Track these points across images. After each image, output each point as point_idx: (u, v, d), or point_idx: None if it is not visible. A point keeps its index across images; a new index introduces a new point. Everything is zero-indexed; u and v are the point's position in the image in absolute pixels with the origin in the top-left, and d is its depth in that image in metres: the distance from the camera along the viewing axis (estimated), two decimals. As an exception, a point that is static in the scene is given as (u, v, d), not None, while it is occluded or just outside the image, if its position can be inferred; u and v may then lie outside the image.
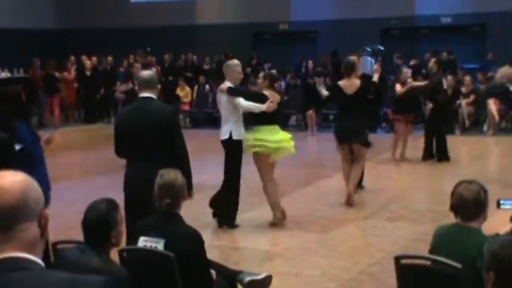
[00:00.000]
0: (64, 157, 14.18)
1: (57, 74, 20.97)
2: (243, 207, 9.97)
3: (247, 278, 4.85)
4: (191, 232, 4.57)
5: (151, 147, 5.94)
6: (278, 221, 9.01)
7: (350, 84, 10.05)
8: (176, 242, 4.45)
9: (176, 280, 4.36)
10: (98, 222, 3.85)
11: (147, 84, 6.13)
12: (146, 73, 6.41)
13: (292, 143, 9.15)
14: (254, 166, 9.10)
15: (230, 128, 8.74)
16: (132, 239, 5.60)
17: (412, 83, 13.75)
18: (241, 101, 8.69)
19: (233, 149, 8.76)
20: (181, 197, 4.66)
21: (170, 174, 4.69)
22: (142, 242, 4.57)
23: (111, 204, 3.97)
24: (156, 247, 4.52)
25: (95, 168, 13.56)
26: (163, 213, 4.61)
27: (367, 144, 10.16)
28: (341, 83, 10.20)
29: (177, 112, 7.13)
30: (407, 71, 14.16)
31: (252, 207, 10.20)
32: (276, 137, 8.95)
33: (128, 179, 6.10)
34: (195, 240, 4.52)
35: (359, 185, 10.75)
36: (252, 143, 8.82)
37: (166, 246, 4.48)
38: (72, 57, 22.08)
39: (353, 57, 10.69)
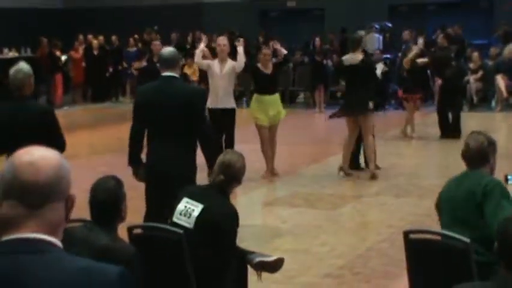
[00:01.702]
0: (72, 136, 14.18)
1: (58, 53, 20.92)
2: (251, 185, 10.00)
3: (257, 259, 4.84)
4: (230, 209, 4.66)
5: (172, 127, 5.82)
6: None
7: (354, 58, 10.21)
8: (213, 212, 4.54)
9: (185, 257, 4.38)
10: (107, 200, 3.87)
11: (169, 63, 5.98)
12: (168, 51, 6.20)
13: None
14: (258, 145, 10.45)
15: (232, 98, 10.04)
16: (152, 218, 5.62)
17: (418, 50, 13.76)
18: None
19: (234, 116, 10.09)
20: (237, 179, 4.75)
21: (233, 156, 4.83)
22: (184, 202, 4.66)
23: (117, 180, 3.98)
24: (193, 210, 4.59)
25: (103, 147, 13.59)
26: (214, 187, 4.72)
27: (370, 110, 10.22)
28: (345, 57, 10.43)
29: (204, 92, 7.06)
30: (415, 47, 14.09)
31: (260, 185, 10.23)
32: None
33: (152, 158, 5.97)
34: (231, 217, 4.60)
35: (355, 165, 10.78)
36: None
37: (202, 212, 4.55)
38: (81, 36, 22.05)
39: (361, 32, 10.79)
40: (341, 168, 10.49)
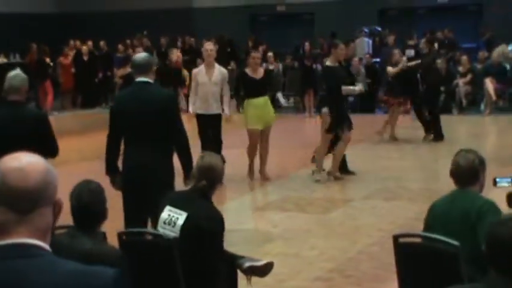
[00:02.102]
0: (61, 142, 14.13)
1: (47, 60, 20.88)
2: (242, 190, 10.01)
3: (247, 264, 4.84)
4: (215, 214, 4.63)
5: (148, 133, 5.82)
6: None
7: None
8: (198, 219, 4.51)
9: (175, 262, 4.38)
10: (92, 202, 3.85)
11: (142, 68, 5.97)
12: (141, 56, 6.22)
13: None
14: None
15: (219, 103, 10.15)
16: (131, 225, 5.62)
17: (405, 63, 13.76)
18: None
19: (221, 121, 10.19)
20: (218, 182, 4.72)
21: (212, 158, 4.77)
22: (167, 211, 4.62)
23: (98, 183, 3.97)
24: (177, 218, 4.56)
25: (92, 153, 13.55)
26: (196, 192, 4.68)
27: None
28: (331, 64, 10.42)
29: (176, 96, 7.10)
30: (397, 53, 14.13)
31: (251, 190, 10.24)
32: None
33: (129, 164, 5.97)
34: (217, 222, 4.56)
35: (346, 170, 10.77)
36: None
37: (187, 220, 4.52)
38: (72, 42, 22.02)
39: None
40: (329, 173, 10.47)
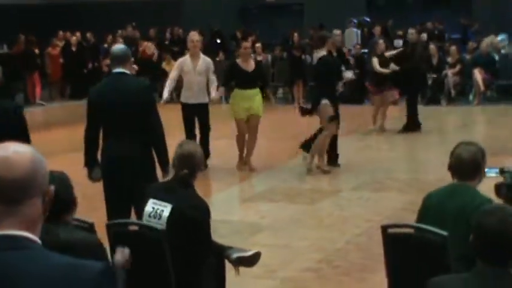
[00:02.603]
0: (49, 133, 14.13)
1: (36, 51, 20.78)
2: (231, 181, 10.01)
3: (235, 255, 4.84)
4: (200, 203, 4.62)
5: (126, 124, 5.81)
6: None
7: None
8: (183, 209, 4.50)
9: (165, 254, 4.37)
10: (61, 190, 3.81)
11: (120, 59, 5.95)
12: (118, 48, 6.23)
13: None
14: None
15: (205, 93, 10.18)
16: (113, 217, 5.61)
17: (391, 55, 13.84)
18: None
19: (208, 110, 10.19)
20: (198, 169, 4.70)
21: (190, 146, 4.76)
22: (151, 204, 4.61)
23: (61, 172, 3.92)
24: (162, 210, 4.55)
25: (80, 144, 13.50)
26: (177, 181, 4.66)
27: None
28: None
29: (152, 87, 7.07)
30: (381, 43, 14.15)
31: (239, 181, 10.24)
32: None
33: (107, 157, 5.96)
34: (202, 210, 4.56)
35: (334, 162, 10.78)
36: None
37: (172, 212, 4.52)
38: (60, 33, 21.92)
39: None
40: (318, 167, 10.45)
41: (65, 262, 1.90)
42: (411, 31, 14.46)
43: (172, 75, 10.32)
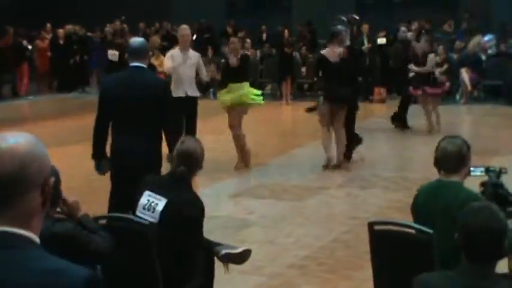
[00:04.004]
0: (36, 126, 14.08)
1: (25, 43, 20.69)
2: (218, 177, 10.02)
3: (224, 251, 4.85)
4: (194, 199, 4.63)
5: (138, 119, 5.78)
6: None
7: (333, 53, 10.29)
8: (178, 205, 4.50)
9: (151, 247, 4.38)
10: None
11: (137, 53, 5.93)
12: (137, 41, 6.17)
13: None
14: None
15: (194, 86, 10.09)
16: (115, 209, 5.60)
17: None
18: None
19: (197, 104, 10.11)
20: (197, 167, 4.70)
21: (191, 143, 4.74)
22: (146, 196, 4.60)
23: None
24: (157, 204, 4.55)
25: (69, 137, 13.48)
26: (175, 177, 4.67)
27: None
28: (324, 52, 10.46)
29: (168, 84, 7.05)
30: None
31: (227, 177, 10.25)
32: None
33: (117, 150, 5.93)
34: (196, 207, 4.56)
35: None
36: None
37: (166, 206, 4.52)
38: (49, 25, 21.83)
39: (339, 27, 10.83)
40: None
41: (47, 268, 1.81)
42: (403, 29, 14.49)
43: (168, 67, 10.31)
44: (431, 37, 15.48)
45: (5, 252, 1.81)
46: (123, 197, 5.77)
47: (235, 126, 10.46)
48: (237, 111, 10.43)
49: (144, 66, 5.97)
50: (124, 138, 5.85)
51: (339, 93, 10.15)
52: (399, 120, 13.69)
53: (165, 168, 5.97)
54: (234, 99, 10.37)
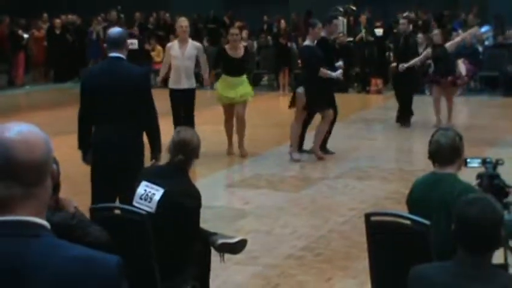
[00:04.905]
0: (32, 116, 14.05)
1: (20, 32, 20.63)
2: (216, 167, 10.02)
3: (220, 241, 4.85)
4: (192, 190, 4.63)
5: (119, 109, 5.77)
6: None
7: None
8: (175, 194, 4.51)
9: (149, 237, 4.38)
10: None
11: (116, 43, 5.91)
12: (115, 31, 6.14)
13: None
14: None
15: (193, 78, 10.20)
16: (98, 201, 5.59)
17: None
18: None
19: (194, 96, 10.18)
20: (194, 156, 4.71)
21: (187, 133, 4.76)
22: (143, 186, 4.60)
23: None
24: (154, 194, 4.55)
25: (64, 127, 13.45)
26: (172, 166, 4.67)
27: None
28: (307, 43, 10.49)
29: (148, 74, 7.07)
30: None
31: (223, 167, 10.25)
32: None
33: (99, 141, 5.93)
34: (193, 197, 4.57)
35: (324, 149, 10.80)
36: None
37: (164, 196, 4.52)
38: (45, 15, 21.77)
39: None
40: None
41: (78, 254, 1.81)
42: (402, 21, 14.45)
43: (165, 60, 10.32)
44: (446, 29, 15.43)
45: (32, 240, 1.79)
46: (104, 188, 5.79)
47: (243, 113, 10.57)
48: (238, 108, 10.54)
49: (123, 56, 5.94)
50: (105, 129, 5.85)
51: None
52: (406, 118, 13.50)
53: (148, 158, 5.99)
54: (231, 99, 10.45)
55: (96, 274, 1.79)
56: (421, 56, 13.52)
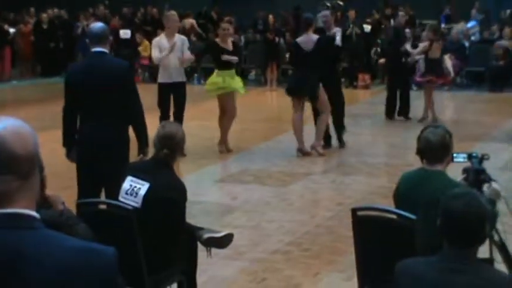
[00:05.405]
0: (20, 111, 13.99)
1: (6, 27, 20.52)
2: (202, 162, 10.02)
3: (206, 235, 4.86)
4: (177, 183, 4.63)
5: (104, 104, 5.76)
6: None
7: (307, 41, 10.16)
8: (160, 188, 4.51)
9: (135, 232, 4.38)
10: None
11: (98, 38, 5.88)
12: (97, 26, 6.11)
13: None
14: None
15: (182, 71, 10.19)
16: (83, 195, 5.59)
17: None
18: None
19: (185, 90, 10.12)
20: (179, 150, 4.71)
21: (172, 127, 4.77)
22: (129, 181, 4.60)
23: None
24: (139, 188, 4.55)
25: (52, 122, 13.39)
26: (157, 161, 4.67)
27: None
28: (299, 39, 10.34)
29: (132, 68, 7.05)
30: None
31: (211, 162, 10.25)
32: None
33: (82, 137, 5.92)
34: (179, 191, 4.57)
35: (326, 142, 10.84)
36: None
37: (149, 191, 4.52)
38: (32, 9, 21.66)
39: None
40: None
41: (75, 245, 1.84)
42: (401, 13, 14.47)
43: (155, 54, 10.21)
44: (436, 25, 15.50)
45: (29, 232, 1.81)
46: (89, 184, 5.78)
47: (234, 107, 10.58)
48: (230, 96, 10.51)
49: (106, 51, 5.94)
50: (90, 124, 5.85)
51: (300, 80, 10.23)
52: (406, 113, 13.59)
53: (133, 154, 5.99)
54: (220, 89, 10.43)
55: (95, 264, 1.81)
56: (419, 48, 13.61)
